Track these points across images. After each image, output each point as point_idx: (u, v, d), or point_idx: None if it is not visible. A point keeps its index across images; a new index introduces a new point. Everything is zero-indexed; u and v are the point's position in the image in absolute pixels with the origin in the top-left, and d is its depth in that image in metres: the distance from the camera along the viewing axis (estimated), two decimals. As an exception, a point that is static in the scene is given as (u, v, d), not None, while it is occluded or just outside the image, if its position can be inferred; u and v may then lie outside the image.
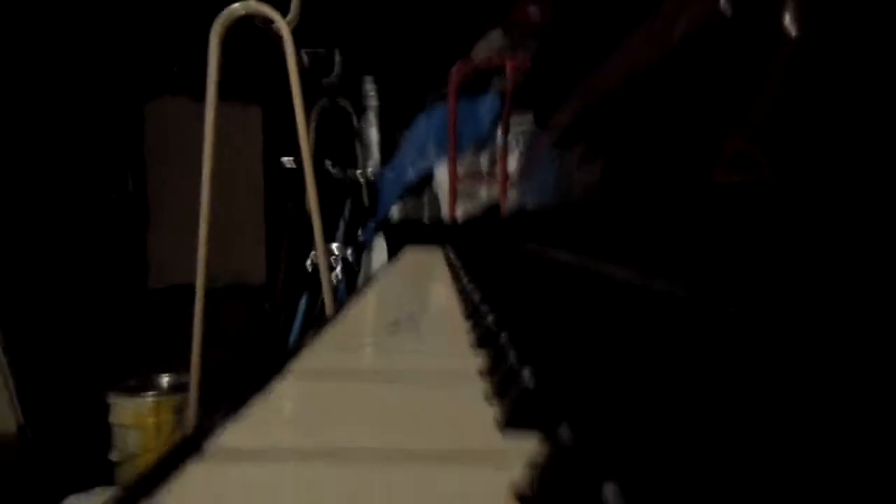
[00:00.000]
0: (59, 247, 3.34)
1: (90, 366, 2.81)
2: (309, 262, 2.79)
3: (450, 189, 2.15)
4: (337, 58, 3.17)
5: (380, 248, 2.30)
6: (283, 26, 2.00)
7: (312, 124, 3.08)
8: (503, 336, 0.35)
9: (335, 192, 3.06)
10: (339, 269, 2.82)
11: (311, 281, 2.61)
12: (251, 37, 2.20)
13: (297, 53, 2.09)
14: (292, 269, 3.18)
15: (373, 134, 3.47)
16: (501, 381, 0.30)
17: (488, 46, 2.56)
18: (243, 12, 1.97)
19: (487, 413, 0.28)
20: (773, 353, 0.29)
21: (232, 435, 0.24)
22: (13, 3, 3.10)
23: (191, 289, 2.04)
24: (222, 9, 1.99)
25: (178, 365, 2.13)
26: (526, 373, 0.26)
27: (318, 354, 0.39)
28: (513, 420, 0.25)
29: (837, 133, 0.29)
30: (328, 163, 3.01)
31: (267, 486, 0.20)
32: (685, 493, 0.15)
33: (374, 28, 3.61)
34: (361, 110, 3.49)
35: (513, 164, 2.06)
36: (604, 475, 0.15)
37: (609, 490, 0.15)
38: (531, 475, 0.19)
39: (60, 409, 2.46)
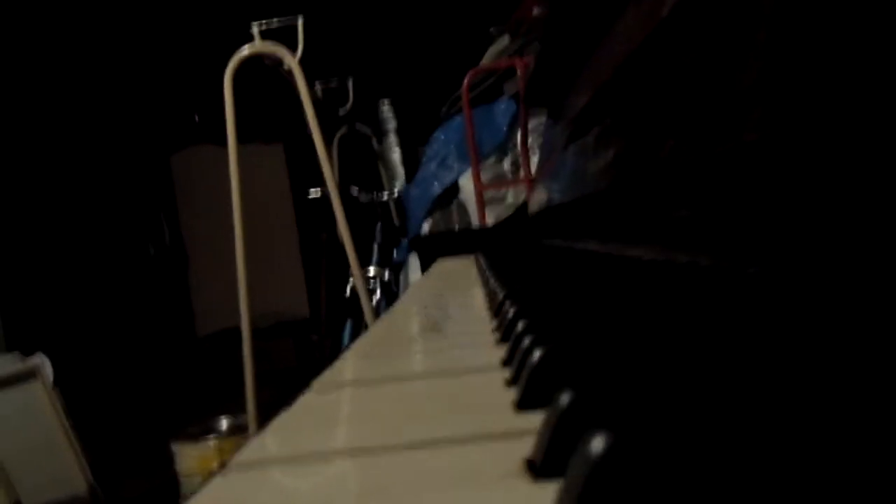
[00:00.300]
0: (107, 305, 3.42)
1: (150, 418, 2.86)
2: (348, 288, 2.82)
3: (476, 197, 2.15)
4: (350, 86, 3.20)
5: (415, 265, 2.31)
6: (292, 62, 2.04)
7: (334, 153, 3.12)
8: (520, 324, 0.35)
9: (365, 216, 3.09)
10: (378, 291, 2.84)
11: (353, 307, 2.63)
12: (265, 78, 2.24)
13: (311, 86, 2.12)
14: (334, 298, 3.21)
15: (395, 154, 3.50)
16: (517, 366, 0.30)
17: (497, 51, 2.57)
18: (252, 52, 2.01)
19: (506, 398, 0.28)
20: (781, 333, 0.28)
21: (251, 449, 0.24)
22: (37, 84, 3.21)
23: (239, 331, 2.08)
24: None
25: (236, 407, 2.16)
26: (536, 354, 0.26)
27: (341, 367, 0.40)
28: (526, 400, 0.26)
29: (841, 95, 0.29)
30: (354, 189, 3.04)
31: (281, 487, 0.20)
32: (672, 439, 0.15)
33: (383, 52, 3.65)
34: (381, 133, 3.52)
35: (535, 163, 2.06)
36: (596, 430, 0.15)
37: (597, 440, 0.15)
38: (537, 444, 0.20)
39: (127, 464, 2.51)
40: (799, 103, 0.31)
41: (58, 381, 2.17)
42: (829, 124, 0.29)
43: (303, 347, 3.71)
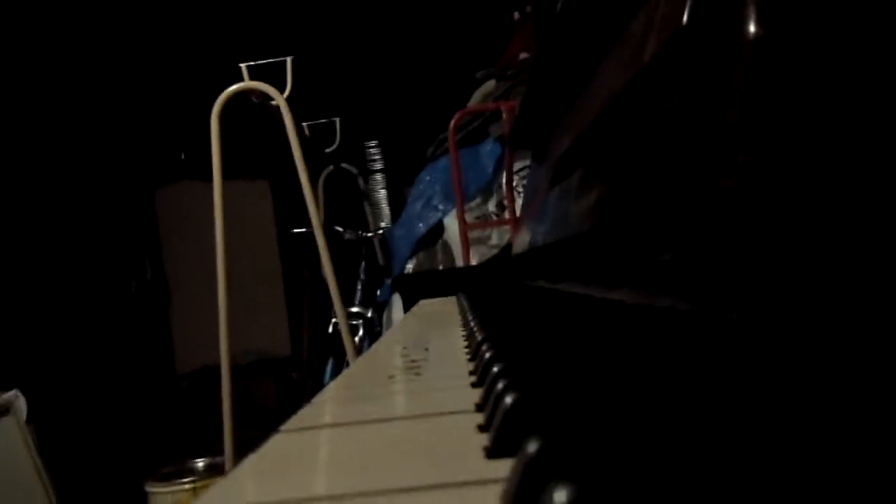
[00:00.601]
0: (85, 341, 3.37)
1: (125, 457, 2.80)
2: (331, 327, 2.80)
3: (461, 237, 2.15)
4: (338, 126, 3.23)
5: (398, 305, 2.30)
6: (280, 100, 2.05)
7: (320, 191, 3.12)
8: (495, 368, 0.34)
9: (349, 254, 3.09)
10: (361, 330, 2.82)
11: (335, 346, 2.61)
12: (253, 116, 2.25)
13: (298, 125, 2.13)
14: (315, 337, 3.18)
15: (381, 194, 3.52)
16: (490, 411, 0.29)
17: (484, 94, 2.60)
18: (240, 89, 2.02)
19: (478, 443, 0.27)
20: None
21: (211, 495, 0.23)
22: (23, 109, 3.21)
23: (218, 369, 2.05)
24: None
25: (214, 446, 2.12)
26: (508, 400, 0.26)
27: (314, 409, 0.39)
28: (497, 447, 0.25)
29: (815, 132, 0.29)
30: (339, 228, 3.04)
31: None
32: (637, 495, 0.14)
33: (370, 93, 3.69)
34: (367, 172, 3.54)
35: (520, 205, 2.07)
36: (559, 481, 0.15)
37: (560, 492, 0.14)
38: (504, 493, 0.19)
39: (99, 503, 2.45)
40: (779, 149, 0.31)
41: (32, 418, 2.12)
42: (810, 171, 0.29)
43: (283, 386, 3.66)
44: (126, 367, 3.51)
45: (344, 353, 2.15)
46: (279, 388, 3.65)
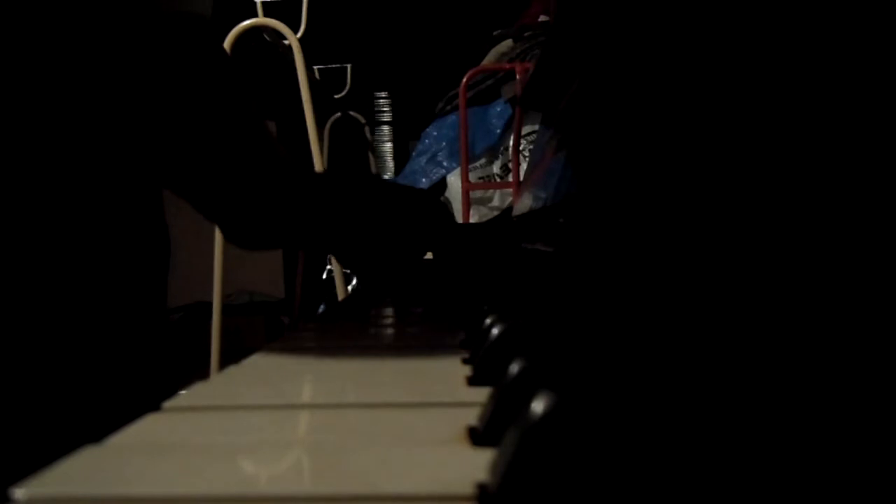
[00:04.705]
0: (78, 269, 3.38)
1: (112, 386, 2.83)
2: (325, 273, 2.81)
3: (462, 195, 2.15)
4: (349, 73, 3.20)
5: (394, 257, 2.30)
6: (293, 40, 2.02)
7: (326, 137, 3.10)
8: (481, 309, 0.34)
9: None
10: (354, 279, 2.83)
11: (328, 292, 2.62)
12: (263, 54, 2.22)
13: (309, 69, 2.11)
14: (309, 282, 3.19)
15: (386, 145, 3.50)
16: (474, 347, 0.30)
17: (499, 53, 2.57)
18: (253, 25, 1.99)
19: (461, 373, 0.28)
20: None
21: (187, 396, 0.24)
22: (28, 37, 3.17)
23: (209, 306, 2.06)
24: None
25: (200, 380, 2.14)
26: (494, 332, 0.26)
27: (302, 335, 0.39)
28: (477, 376, 0.25)
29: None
30: (342, 175, 3.02)
31: (212, 428, 0.20)
32: (609, 415, 0.14)
33: (384, 43, 3.64)
34: (375, 123, 3.51)
35: (524, 169, 2.06)
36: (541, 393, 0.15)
37: (538, 402, 0.14)
38: (483, 412, 0.19)
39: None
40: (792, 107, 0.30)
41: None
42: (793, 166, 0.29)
43: (273, 328, 3.68)
44: (118, 295, 3.52)
45: (336, 300, 2.16)
46: (268, 329, 3.67)
